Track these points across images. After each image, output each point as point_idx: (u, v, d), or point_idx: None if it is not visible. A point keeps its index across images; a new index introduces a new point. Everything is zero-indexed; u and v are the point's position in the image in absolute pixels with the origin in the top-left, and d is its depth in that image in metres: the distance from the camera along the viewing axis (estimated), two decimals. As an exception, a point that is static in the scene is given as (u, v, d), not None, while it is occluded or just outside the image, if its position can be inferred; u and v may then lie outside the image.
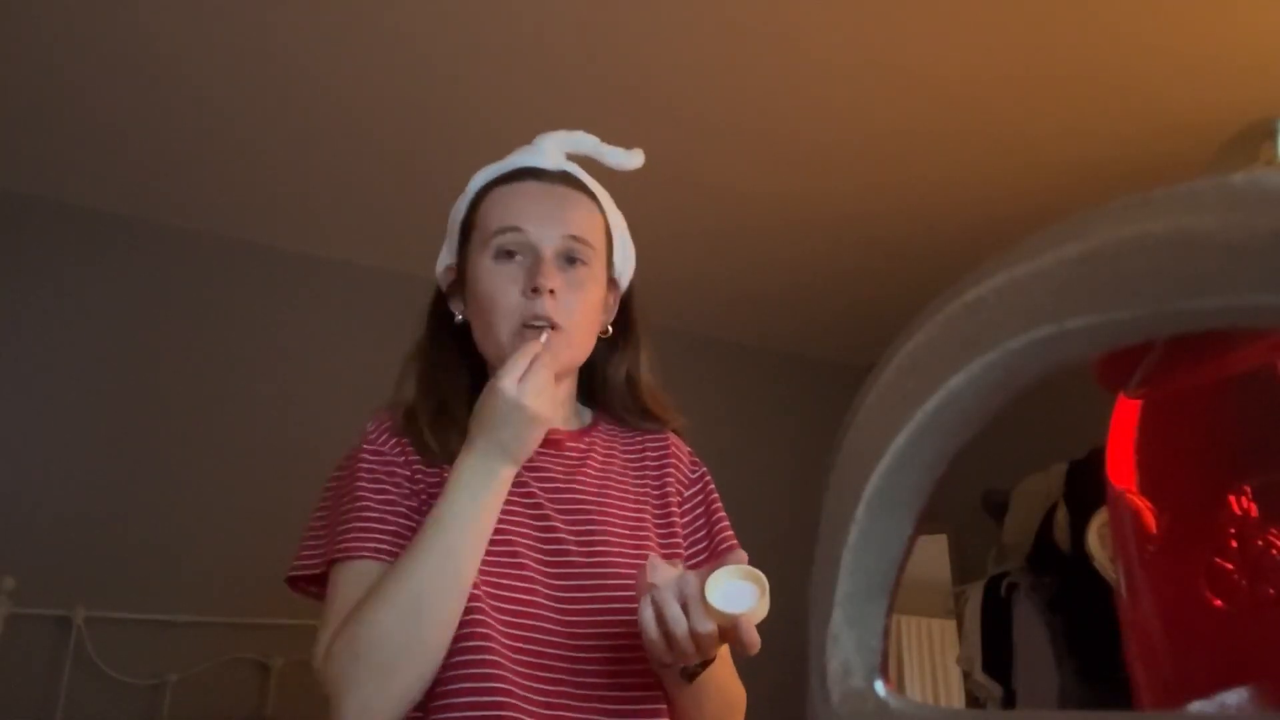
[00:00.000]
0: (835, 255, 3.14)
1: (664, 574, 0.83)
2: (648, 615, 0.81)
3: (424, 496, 0.96)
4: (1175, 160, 2.47)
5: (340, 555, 0.92)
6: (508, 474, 0.91)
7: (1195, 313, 0.21)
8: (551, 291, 0.96)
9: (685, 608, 0.81)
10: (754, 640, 0.82)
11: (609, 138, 1.08)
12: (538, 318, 0.96)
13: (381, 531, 0.93)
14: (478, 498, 0.89)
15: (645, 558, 0.88)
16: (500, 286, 0.97)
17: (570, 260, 0.99)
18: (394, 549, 0.91)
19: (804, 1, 1.98)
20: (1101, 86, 2.25)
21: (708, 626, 0.80)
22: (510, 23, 2.05)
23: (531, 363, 0.91)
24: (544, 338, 0.94)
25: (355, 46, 2.12)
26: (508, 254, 0.98)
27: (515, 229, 0.98)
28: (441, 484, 0.94)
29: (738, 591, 0.81)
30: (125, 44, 2.10)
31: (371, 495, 0.95)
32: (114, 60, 2.16)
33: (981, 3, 1.97)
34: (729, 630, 0.81)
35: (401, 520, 0.94)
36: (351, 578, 0.91)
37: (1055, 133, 2.44)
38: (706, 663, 0.88)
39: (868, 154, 2.56)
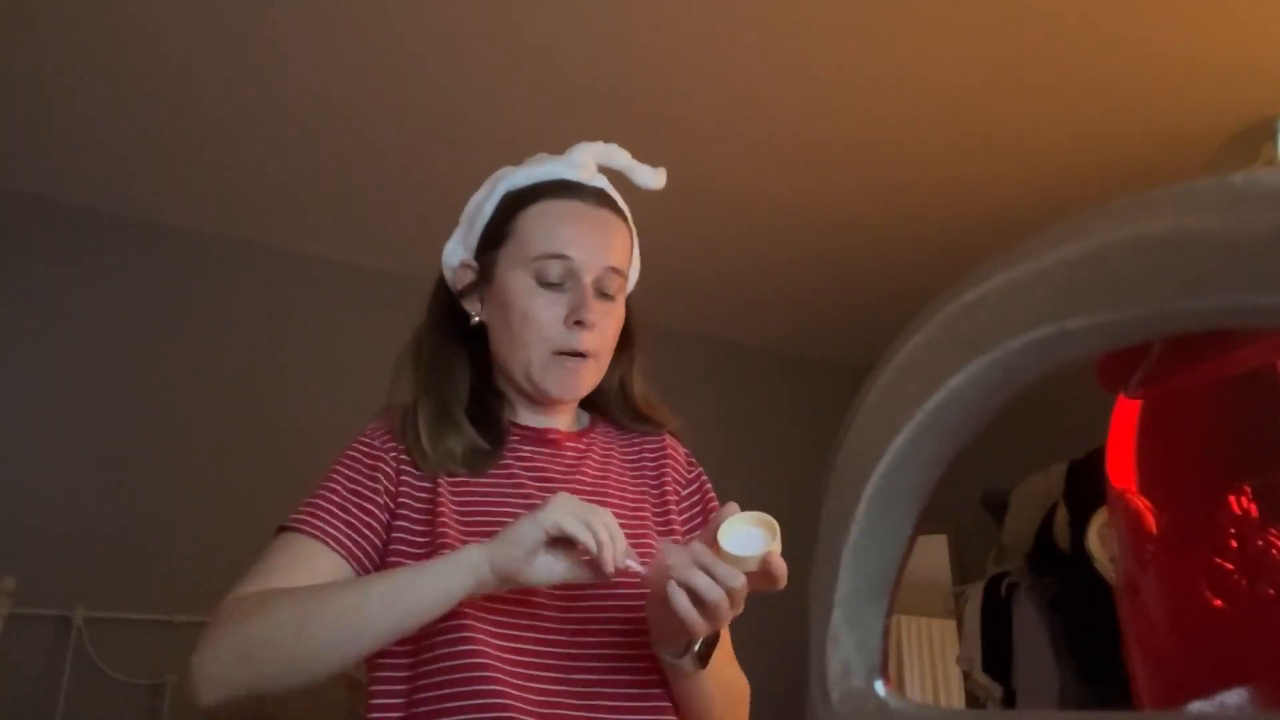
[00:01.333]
0: (835, 256, 3.14)
1: (678, 555, 0.83)
2: (681, 599, 0.80)
3: (402, 500, 0.95)
4: (1174, 161, 2.47)
5: (290, 526, 0.92)
6: (478, 559, 0.83)
7: (1195, 313, 0.21)
8: (593, 325, 0.97)
9: (709, 573, 0.81)
10: (782, 571, 0.82)
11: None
12: (575, 351, 0.97)
13: (336, 518, 0.92)
14: (432, 578, 0.84)
15: (644, 557, 0.88)
16: (539, 309, 0.97)
17: (606, 289, 1.00)
18: (341, 537, 0.91)
19: (803, 4, 1.98)
20: (1101, 87, 2.25)
21: (739, 580, 0.81)
22: (511, 25, 2.05)
23: (597, 511, 0.84)
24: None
25: (356, 48, 2.12)
26: (550, 276, 0.98)
27: (563, 256, 0.98)
28: (430, 497, 0.94)
29: (749, 536, 0.82)
30: (125, 44, 2.10)
31: (343, 482, 0.95)
32: (113, 60, 2.15)
33: (982, 6, 1.97)
34: (762, 578, 0.82)
35: (361, 516, 0.93)
36: (287, 545, 0.91)
37: (1055, 133, 2.44)
38: (715, 641, 0.89)
39: (868, 155, 2.56)
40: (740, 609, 0.85)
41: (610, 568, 0.82)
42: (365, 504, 0.94)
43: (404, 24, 2.05)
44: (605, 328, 0.99)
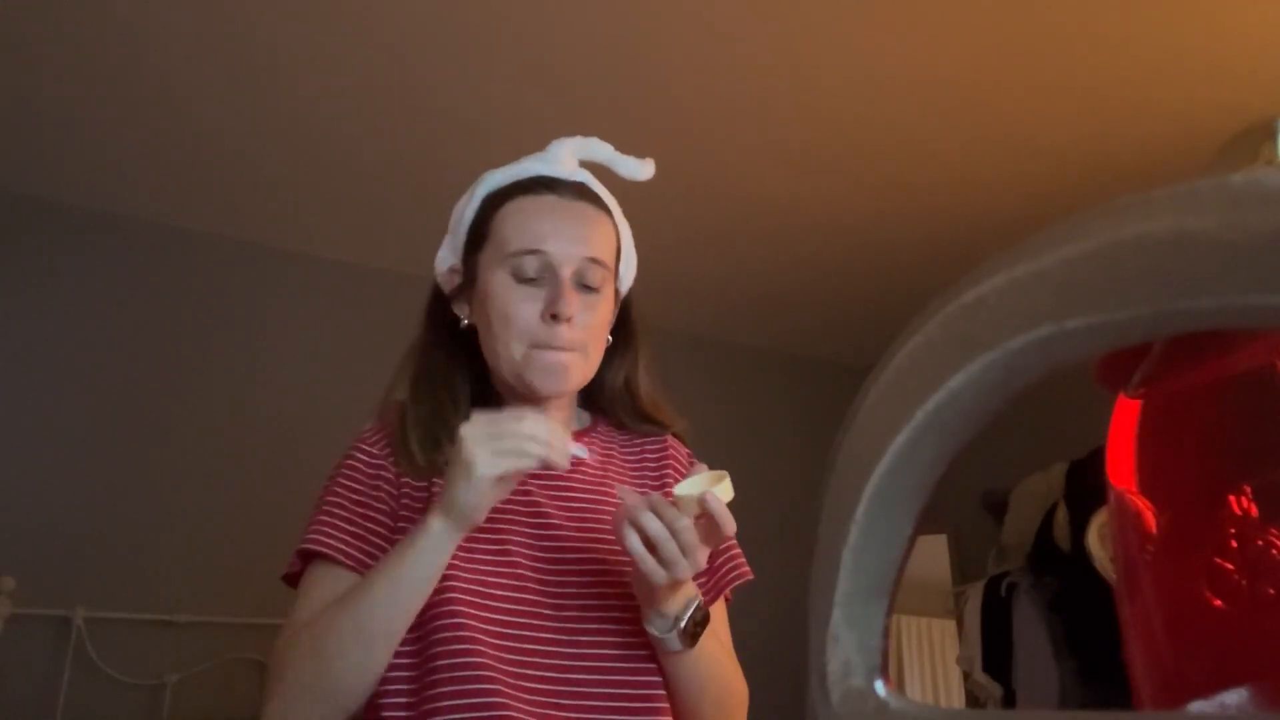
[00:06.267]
0: (835, 256, 3.14)
1: (633, 499, 0.87)
2: (633, 539, 0.84)
3: (404, 503, 0.96)
4: (1174, 161, 2.47)
5: (305, 549, 0.94)
6: (440, 528, 0.86)
7: (1195, 313, 0.21)
8: (569, 318, 0.96)
9: (661, 518, 0.85)
10: (722, 511, 0.85)
11: (608, 139, 1.07)
12: (553, 345, 0.96)
13: (348, 533, 0.94)
14: (406, 556, 0.86)
15: None
16: (516, 305, 0.97)
17: (587, 281, 0.99)
18: (357, 553, 0.93)
19: (804, 5, 1.98)
20: (1102, 87, 2.25)
21: (683, 520, 0.84)
22: (511, 25, 2.05)
23: (507, 420, 0.85)
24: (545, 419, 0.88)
25: (355, 47, 2.12)
26: (526, 272, 0.98)
27: (537, 251, 0.97)
28: (426, 500, 0.95)
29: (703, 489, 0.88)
30: (124, 45, 2.10)
31: (346, 496, 0.96)
32: (110, 59, 2.15)
33: (981, 6, 1.97)
34: (708, 522, 0.85)
35: (371, 526, 0.94)
36: (311, 579, 0.94)
37: (1055, 134, 2.44)
38: (704, 620, 0.91)
39: (869, 156, 2.56)
40: (696, 559, 0.86)
41: (566, 465, 0.87)
42: (369, 512, 0.95)
43: (403, 23, 2.05)
44: (587, 320, 0.98)
